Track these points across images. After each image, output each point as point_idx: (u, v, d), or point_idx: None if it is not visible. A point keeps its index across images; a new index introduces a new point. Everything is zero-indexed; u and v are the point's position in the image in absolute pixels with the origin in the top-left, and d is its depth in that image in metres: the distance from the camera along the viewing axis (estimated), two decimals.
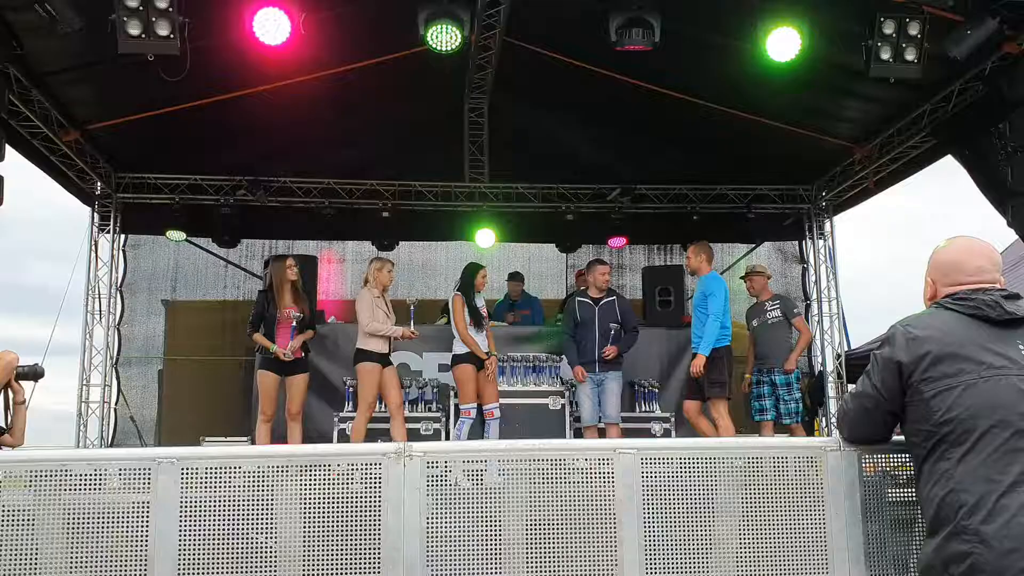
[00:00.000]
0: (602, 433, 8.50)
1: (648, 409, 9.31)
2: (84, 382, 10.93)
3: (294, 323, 8.05)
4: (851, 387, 2.95)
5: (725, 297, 8.03)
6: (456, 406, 8.63)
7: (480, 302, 8.59)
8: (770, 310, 8.96)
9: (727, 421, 7.93)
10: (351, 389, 8.93)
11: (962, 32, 6.79)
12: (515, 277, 11.19)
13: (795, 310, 9.01)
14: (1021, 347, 2.69)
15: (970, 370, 2.65)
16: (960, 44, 6.83)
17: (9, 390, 5.06)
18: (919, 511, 2.87)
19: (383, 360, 8.08)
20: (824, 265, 12.06)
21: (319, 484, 3.10)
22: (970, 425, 2.62)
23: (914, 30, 6.83)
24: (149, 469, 3.07)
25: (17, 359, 5.11)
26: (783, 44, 6.86)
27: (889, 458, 3.24)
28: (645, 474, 3.19)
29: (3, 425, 5.07)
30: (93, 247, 11.18)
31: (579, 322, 8.61)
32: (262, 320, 8.05)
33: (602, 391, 8.45)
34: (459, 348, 8.29)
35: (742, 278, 9.73)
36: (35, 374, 5.19)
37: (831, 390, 11.66)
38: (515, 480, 3.20)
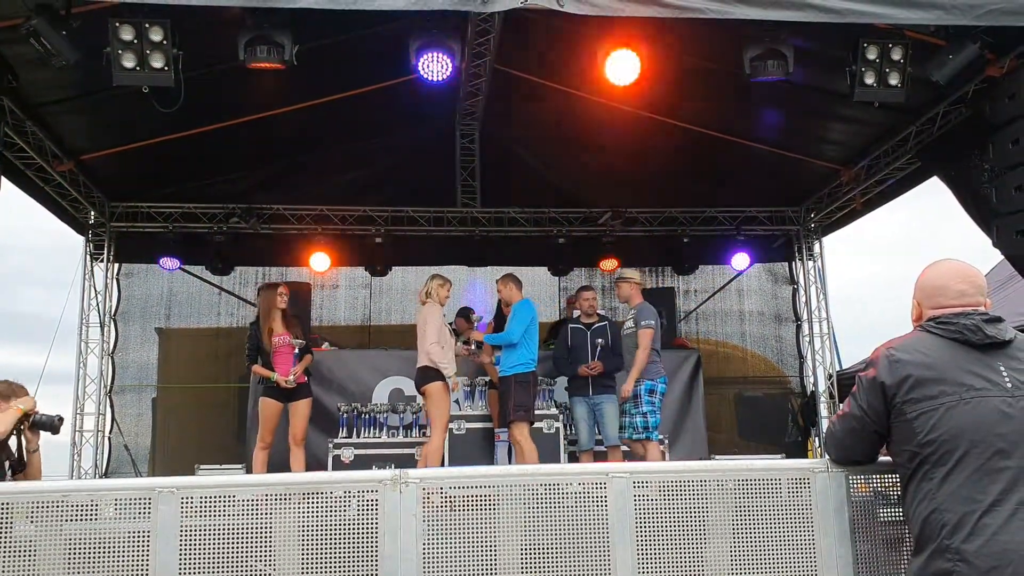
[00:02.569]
0: (601, 457, 8.50)
1: None
2: (78, 411, 10.94)
3: (296, 349, 8.08)
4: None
5: (532, 321, 8.09)
6: (452, 431, 8.70)
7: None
8: (628, 320, 8.30)
9: (530, 444, 7.90)
10: (345, 416, 8.96)
11: (944, 56, 6.89)
12: None
13: (644, 321, 8.03)
14: (1003, 369, 2.76)
15: (951, 392, 2.72)
16: (942, 68, 6.93)
17: (23, 437, 4.91)
18: (907, 530, 2.93)
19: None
20: (814, 286, 12.16)
21: (317, 511, 3.14)
22: (951, 446, 2.69)
23: (897, 55, 6.92)
24: (149, 499, 3.11)
25: (33, 405, 4.89)
26: (766, 71, 6.93)
27: (879, 478, 3.30)
28: (638, 497, 3.24)
29: (21, 461, 4.94)
30: (87, 276, 11.21)
31: (571, 348, 8.63)
32: (258, 351, 8.08)
33: (600, 414, 8.42)
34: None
35: (615, 283, 9.36)
36: (52, 426, 4.86)
37: (823, 410, 11.72)
38: (510, 505, 3.24)
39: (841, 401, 11.54)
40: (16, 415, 4.77)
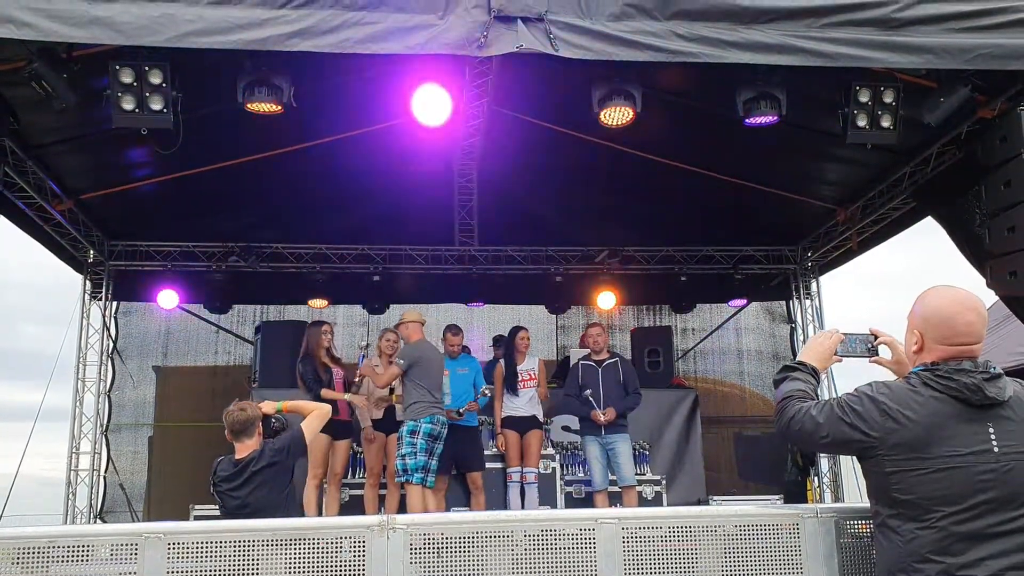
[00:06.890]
0: (616, 497, 8.45)
1: (639, 471, 9.25)
2: (74, 449, 10.88)
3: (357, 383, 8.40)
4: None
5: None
6: None
7: (526, 363, 8.79)
8: None
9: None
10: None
11: (936, 99, 6.94)
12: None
13: (397, 360, 7.79)
14: (992, 433, 2.67)
15: (932, 456, 2.66)
16: (934, 111, 6.98)
17: None
18: None
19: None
20: (812, 324, 12.13)
21: (303, 557, 3.12)
22: (925, 508, 2.64)
23: (889, 98, 6.98)
24: (136, 544, 3.10)
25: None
26: (759, 112, 6.99)
27: (871, 524, 3.29)
28: (626, 542, 3.23)
29: None
30: (85, 314, 11.22)
31: (583, 386, 8.51)
32: (320, 382, 8.17)
33: (613, 454, 8.33)
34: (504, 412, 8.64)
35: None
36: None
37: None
38: (499, 551, 3.23)
39: None
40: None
